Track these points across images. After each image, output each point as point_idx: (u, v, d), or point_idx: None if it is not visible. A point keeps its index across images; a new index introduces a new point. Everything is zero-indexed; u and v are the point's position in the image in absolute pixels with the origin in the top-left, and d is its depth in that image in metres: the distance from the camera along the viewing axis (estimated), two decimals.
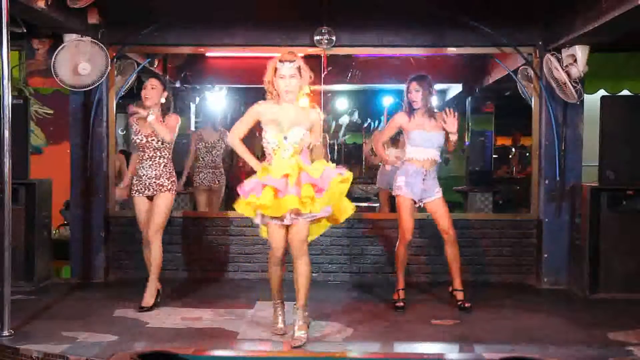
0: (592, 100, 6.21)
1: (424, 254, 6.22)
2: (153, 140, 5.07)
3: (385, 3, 5.95)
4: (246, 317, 4.94)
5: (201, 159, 7.40)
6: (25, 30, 5.81)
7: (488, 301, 5.45)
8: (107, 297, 5.52)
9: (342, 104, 10.94)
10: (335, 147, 10.59)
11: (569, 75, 5.70)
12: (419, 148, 5.16)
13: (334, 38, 6.12)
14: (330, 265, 6.30)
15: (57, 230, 7.51)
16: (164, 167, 5.12)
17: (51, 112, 7.20)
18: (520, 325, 4.83)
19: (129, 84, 6.46)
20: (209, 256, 6.34)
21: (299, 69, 4.28)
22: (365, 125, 10.95)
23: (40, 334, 4.36)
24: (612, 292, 5.61)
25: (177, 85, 8.89)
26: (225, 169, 7.75)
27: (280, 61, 4.27)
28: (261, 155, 4.53)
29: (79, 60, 5.73)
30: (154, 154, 5.10)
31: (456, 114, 5.10)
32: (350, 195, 4.59)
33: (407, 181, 5.15)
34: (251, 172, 4.37)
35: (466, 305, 5.14)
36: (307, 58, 4.76)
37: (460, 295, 5.21)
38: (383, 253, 6.24)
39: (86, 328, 4.52)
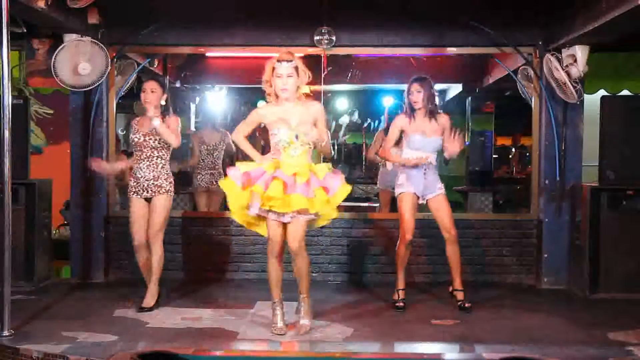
0: (592, 100, 6.21)
1: (424, 254, 6.21)
2: (150, 139, 5.00)
3: (385, 3, 5.96)
4: (246, 317, 4.94)
5: (201, 161, 7.37)
6: (25, 30, 5.79)
7: (488, 301, 5.45)
8: (107, 297, 5.51)
9: (342, 104, 10.93)
10: (336, 147, 10.60)
11: (569, 75, 5.70)
12: (418, 152, 5.16)
13: (334, 38, 6.11)
14: (330, 265, 6.29)
15: (57, 230, 7.51)
16: (162, 168, 5.04)
17: (51, 112, 7.21)
18: (520, 325, 4.83)
19: (129, 84, 6.44)
20: (209, 256, 6.33)
21: (296, 68, 4.33)
22: (365, 125, 10.95)
23: (40, 334, 4.36)
24: (612, 292, 5.61)
25: (177, 85, 8.88)
26: (226, 170, 7.71)
27: (278, 61, 4.33)
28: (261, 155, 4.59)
29: (79, 60, 5.72)
30: (152, 154, 5.02)
31: (461, 136, 5.12)
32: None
33: (409, 176, 5.15)
34: None
35: (466, 305, 5.13)
36: (307, 58, 4.77)
37: (460, 295, 5.21)
38: (383, 253, 6.24)
39: (86, 328, 4.52)
